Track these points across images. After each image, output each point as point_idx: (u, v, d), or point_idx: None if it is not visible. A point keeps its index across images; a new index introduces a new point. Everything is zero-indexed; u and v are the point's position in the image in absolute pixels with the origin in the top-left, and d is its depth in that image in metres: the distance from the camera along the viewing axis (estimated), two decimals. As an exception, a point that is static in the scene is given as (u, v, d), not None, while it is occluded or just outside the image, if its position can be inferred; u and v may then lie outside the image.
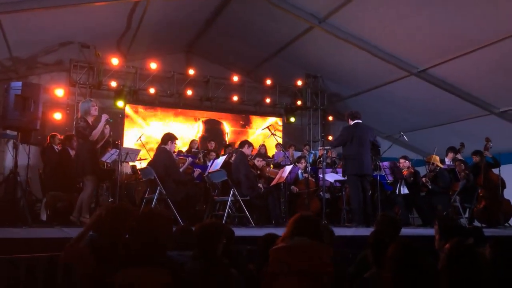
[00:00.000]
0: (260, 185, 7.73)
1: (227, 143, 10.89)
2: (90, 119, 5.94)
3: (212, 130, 12.12)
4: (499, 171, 8.18)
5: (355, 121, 7.16)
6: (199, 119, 11.93)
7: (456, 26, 7.92)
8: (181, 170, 7.45)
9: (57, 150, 7.64)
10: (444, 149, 9.01)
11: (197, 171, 8.04)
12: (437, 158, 8.38)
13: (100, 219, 2.83)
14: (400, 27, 8.52)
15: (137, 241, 2.46)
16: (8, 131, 7.80)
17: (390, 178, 8.25)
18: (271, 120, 12.68)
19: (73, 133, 8.68)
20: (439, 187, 8.04)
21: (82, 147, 5.91)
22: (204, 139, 11.14)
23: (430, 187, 8.08)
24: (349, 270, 3.63)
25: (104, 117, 5.98)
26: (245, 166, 7.34)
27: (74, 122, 9.48)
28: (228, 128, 12.33)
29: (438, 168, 8.16)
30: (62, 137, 7.78)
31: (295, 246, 2.67)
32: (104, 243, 2.69)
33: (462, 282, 2.27)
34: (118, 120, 6.94)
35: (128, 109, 11.20)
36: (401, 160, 8.58)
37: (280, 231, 3.18)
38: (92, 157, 5.86)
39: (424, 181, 8.14)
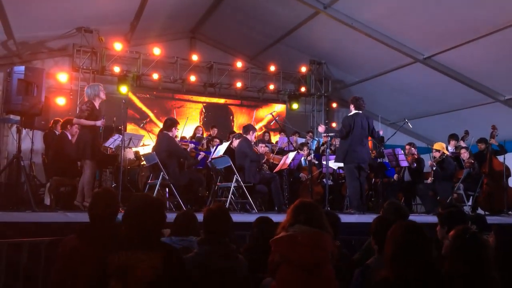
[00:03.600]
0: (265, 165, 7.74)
1: (233, 128, 10.84)
2: (97, 103, 5.95)
3: (215, 115, 12.06)
4: (504, 158, 8.14)
5: (357, 111, 7.11)
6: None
7: (462, 13, 7.81)
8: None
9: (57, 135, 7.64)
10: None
11: (202, 155, 8.04)
12: (443, 145, 8.34)
13: (90, 207, 2.85)
14: (405, 13, 8.42)
15: (130, 225, 2.47)
16: (11, 116, 7.83)
17: (393, 165, 8.22)
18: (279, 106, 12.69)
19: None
20: (444, 172, 8.00)
21: (84, 131, 5.90)
22: (207, 124, 11.04)
23: (436, 168, 8.00)
24: (354, 257, 3.63)
25: (100, 122, 5.95)
26: (251, 151, 7.32)
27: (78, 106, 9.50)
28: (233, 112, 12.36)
29: (445, 155, 8.11)
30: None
31: (295, 236, 2.61)
32: (96, 229, 2.70)
33: (467, 268, 2.25)
34: (121, 106, 6.89)
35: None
36: (407, 147, 8.55)
37: (282, 218, 3.16)
38: (93, 141, 5.84)
39: (430, 164, 8.10)
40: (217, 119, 11.79)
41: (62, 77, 10.23)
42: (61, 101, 10.07)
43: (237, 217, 5.68)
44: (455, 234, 2.40)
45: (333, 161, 7.98)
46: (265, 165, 8.22)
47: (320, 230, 2.67)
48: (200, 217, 3.10)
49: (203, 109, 12.07)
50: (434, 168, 8.03)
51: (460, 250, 2.31)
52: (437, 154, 8.14)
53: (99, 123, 5.94)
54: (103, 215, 2.75)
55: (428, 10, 8.08)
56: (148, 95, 11.55)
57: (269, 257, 2.69)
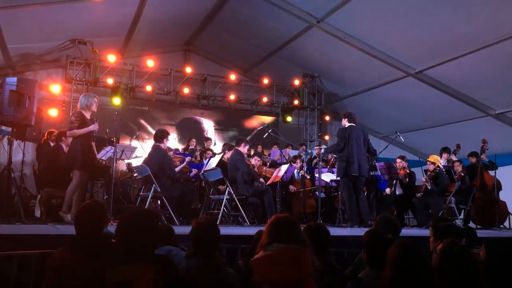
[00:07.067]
0: (262, 180, 7.75)
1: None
2: (88, 114, 5.92)
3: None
4: (495, 173, 8.20)
5: (351, 123, 7.18)
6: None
7: (454, 28, 7.93)
8: (178, 169, 7.44)
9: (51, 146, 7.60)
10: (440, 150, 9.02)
11: (194, 171, 8.03)
12: (438, 158, 8.36)
13: (77, 219, 2.83)
14: (398, 28, 8.53)
15: (124, 238, 2.45)
16: (3, 127, 7.78)
17: (386, 178, 8.24)
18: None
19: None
20: (438, 188, 8.01)
21: (75, 141, 5.86)
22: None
23: (429, 187, 8.04)
24: (346, 271, 3.62)
25: (94, 126, 5.92)
26: (243, 164, 7.32)
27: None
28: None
29: (439, 168, 8.13)
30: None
31: (272, 257, 2.58)
32: (85, 241, 2.68)
33: (454, 282, 2.26)
34: (114, 117, 6.88)
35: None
36: (398, 160, 8.58)
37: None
38: (84, 151, 5.78)
39: (424, 180, 8.11)
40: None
41: (55, 88, 10.21)
42: (53, 112, 10.02)
43: (229, 230, 5.67)
44: (443, 248, 2.41)
45: (332, 175, 8.00)
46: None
47: (298, 245, 2.65)
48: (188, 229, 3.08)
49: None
50: (429, 187, 8.03)
51: (448, 263, 2.32)
52: (431, 167, 8.15)
53: (92, 127, 5.89)
54: (89, 226, 2.73)
55: (420, 25, 8.19)
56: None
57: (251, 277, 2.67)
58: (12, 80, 5.71)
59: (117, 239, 2.48)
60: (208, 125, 12.21)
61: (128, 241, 2.42)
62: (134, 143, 10.16)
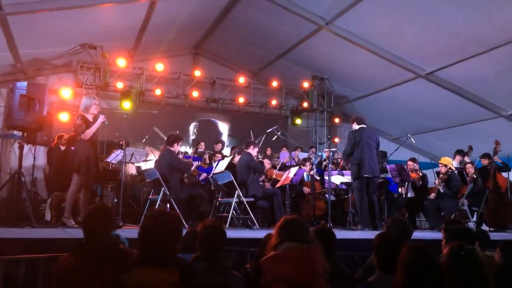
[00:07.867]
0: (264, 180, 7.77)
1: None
2: (90, 117, 5.90)
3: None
4: (508, 174, 8.08)
5: (361, 125, 7.15)
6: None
7: (464, 28, 7.84)
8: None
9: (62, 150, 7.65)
10: (453, 151, 8.92)
11: (203, 176, 8.03)
12: (450, 160, 8.26)
13: (84, 223, 2.83)
14: (408, 29, 8.46)
15: (147, 242, 2.46)
16: (14, 132, 7.84)
17: (397, 181, 8.16)
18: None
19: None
20: (450, 190, 7.90)
21: (79, 145, 5.84)
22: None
23: (442, 190, 7.93)
24: (356, 275, 3.57)
25: (101, 118, 5.86)
26: (254, 163, 7.32)
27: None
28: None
29: (451, 170, 8.02)
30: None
31: (283, 254, 2.58)
32: (91, 245, 2.67)
33: (462, 286, 2.21)
34: (123, 121, 6.90)
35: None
36: (409, 162, 8.49)
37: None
38: (89, 156, 5.72)
39: (437, 183, 8.00)
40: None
41: (66, 93, 10.27)
42: (64, 116, 10.08)
43: (238, 233, 5.65)
44: (449, 251, 2.36)
45: (342, 177, 7.96)
46: (266, 179, 8.20)
47: (307, 244, 2.64)
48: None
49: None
50: (442, 190, 7.91)
51: (455, 267, 2.27)
52: (443, 169, 8.05)
53: (100, 120, 5.82)
54: (96, 229, 2.72)
55: (430, 26, 8.11)
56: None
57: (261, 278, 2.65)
58: (22, 84, 5.75)
59: (140, 242, 2.48)
60: (223, 128, 12.29)
61: (150, 244, 2.44)
62: (144, 147, 10.18)
